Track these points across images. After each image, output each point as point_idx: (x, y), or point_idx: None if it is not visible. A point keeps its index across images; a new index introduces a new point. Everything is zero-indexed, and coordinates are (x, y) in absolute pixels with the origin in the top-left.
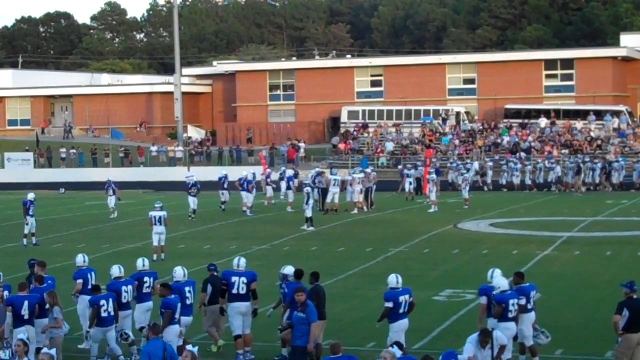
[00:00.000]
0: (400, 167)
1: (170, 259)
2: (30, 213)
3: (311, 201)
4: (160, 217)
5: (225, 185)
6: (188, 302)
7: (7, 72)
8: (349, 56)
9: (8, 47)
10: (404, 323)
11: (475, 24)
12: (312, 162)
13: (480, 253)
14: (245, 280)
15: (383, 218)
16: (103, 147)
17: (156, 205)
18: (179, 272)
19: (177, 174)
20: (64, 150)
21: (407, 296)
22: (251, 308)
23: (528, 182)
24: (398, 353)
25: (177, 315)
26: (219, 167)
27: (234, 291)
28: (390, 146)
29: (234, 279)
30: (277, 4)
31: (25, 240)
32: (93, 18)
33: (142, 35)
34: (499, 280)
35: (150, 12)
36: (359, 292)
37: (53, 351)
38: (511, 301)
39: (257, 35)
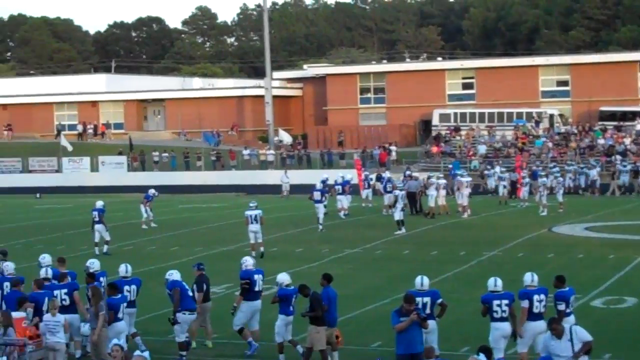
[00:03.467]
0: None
1: (265, 261)
2: (97, 220)
3: (400, 204)
4: (255, 216)
5: (327, 189)
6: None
7: (101, 77)
8: (440, 59)
9: (101, 52)
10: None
11: (568, 26)
12: (404, 165)
13: (576, 257)
14: (262, 277)
15: (476, 222)
16: (195, 150)
17: (251, 205)
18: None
19: (268, 177)
20: (156, 153)
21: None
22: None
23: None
24: None
25: (120, 315)
26: (311, 171)
27: (256, 289)
28: (482, 149)
29: (256, 277)
30: (368, 7)
31: (97, 249)
32: (184, 22)
33: (232, 39)
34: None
35: (241, 16)
36: (453, 296)
37: (147, 354)
38: (495, 302)
39: (348, 39)
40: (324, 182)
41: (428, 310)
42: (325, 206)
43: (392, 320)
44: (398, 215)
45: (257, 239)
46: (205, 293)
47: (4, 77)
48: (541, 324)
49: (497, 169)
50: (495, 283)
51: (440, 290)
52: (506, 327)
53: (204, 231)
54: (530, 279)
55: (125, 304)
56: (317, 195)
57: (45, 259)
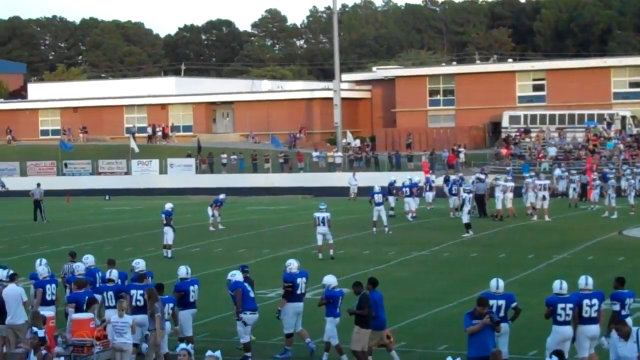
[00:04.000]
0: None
1: (333, 263)
2: (165, 223)
3: (467, 207)
4: (323, 218)
5: (394, 191)
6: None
7: (170, 80)
8: (510, 60)
9: (171, 55)
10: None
11: None
12: (473, 167)
13: None
14: (305, 280)
15: (545, 224)
16: (263, 153)
17: (321, 207)
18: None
19: (336, 179)
20: (225, 156)
21: (304, 279)
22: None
23: None
24: None
25: (166, 315)
26: (378, 173)
27: (298, 291)
28: (553, 151)
29: (299, 280)
30: (437, 9)
31: (165, 251)
32: (254, 25)
33: (302, 42)
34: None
35: (310, 19)
36: (520, 299)
37: (218, 353)
38: (560, 305)
39: (417, 40)
40: (391, 184)
41: (502, 313)
42: (392, 208)
43: (465, 322)
44: (466, 217)
45: (326, 240)
46: None
47: (76, 80)
48: (593, 328)
49: (557, 171)
50: (560, 286)
51: None
52: (568, 330)
53: (271, 233)
54: (584, 282)
55: (171, 305)
56: (378, 198)
57: (89, 259)
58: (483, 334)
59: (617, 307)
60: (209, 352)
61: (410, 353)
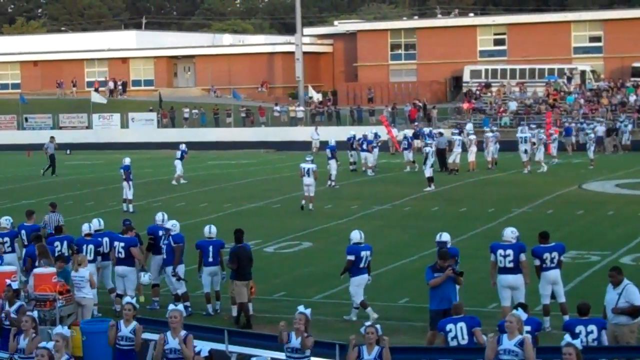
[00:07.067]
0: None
1: (295, 217)
2: (124, 177)
3: (430, 161)
4: (309, 169)
5: (354, 146)
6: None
7: (131, 34)
8: (471, 15)
9: (132, 9)
10: (363, 278)
11: None
12: (437, 122)
13: (606, 214)
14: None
15: (505, 178)
16: (225, 107)
17: (307, 159)
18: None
19: (298, 133)
20: (187, 110)
21: (367, 252)
22: None
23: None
24: (524, 316)
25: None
26: (340, 128)
27: (161, 244)
28: (513, 106)
29: (160, 233)
30: None
31: (125, 206)
32: None
33: None
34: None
35: None
36: (481, 253)
37: (181, 307)
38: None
39: None
40: (350, 139)
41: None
42: (353, 163)
43: (426, 275)
44: (428, 171)
45: (310, 192)
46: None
47: (35, 34)
48: (509, 278)
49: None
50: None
51: (469, 246)
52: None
53: (232, 187)
54: (504, 233)
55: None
56: (328, 152)
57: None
58: (445, 287)
59: (537, 263)
60: (171, 306)
61: (372, 306)
